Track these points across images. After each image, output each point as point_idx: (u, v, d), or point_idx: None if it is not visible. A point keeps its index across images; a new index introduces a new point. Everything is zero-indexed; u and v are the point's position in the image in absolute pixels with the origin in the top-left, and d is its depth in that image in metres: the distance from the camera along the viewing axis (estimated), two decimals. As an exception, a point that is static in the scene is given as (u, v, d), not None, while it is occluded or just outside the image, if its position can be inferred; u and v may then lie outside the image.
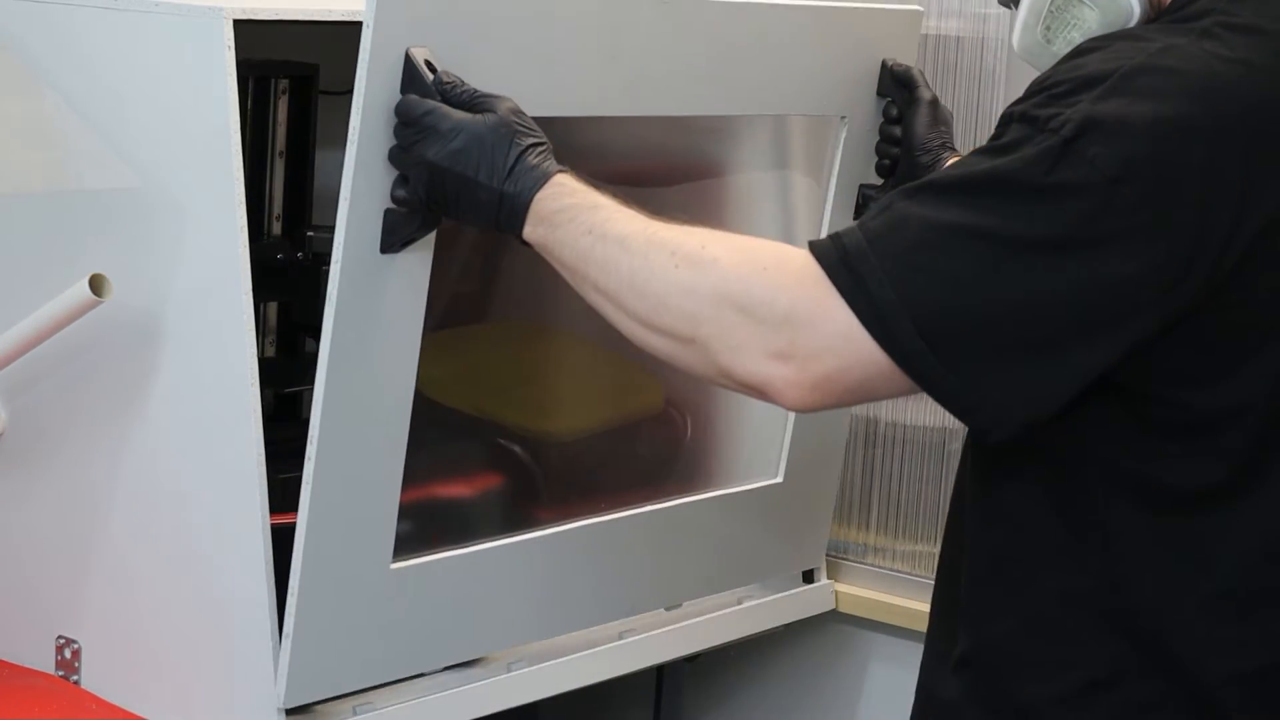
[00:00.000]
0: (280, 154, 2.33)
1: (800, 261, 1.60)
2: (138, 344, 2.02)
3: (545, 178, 1.74)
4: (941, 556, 1.81)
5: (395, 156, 1.83)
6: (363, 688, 2.06)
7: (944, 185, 1.58)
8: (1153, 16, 1.70)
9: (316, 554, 1.92)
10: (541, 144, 1.77)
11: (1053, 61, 1.68)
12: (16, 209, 2.15)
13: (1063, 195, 1.53)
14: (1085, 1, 1.75)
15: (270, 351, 2.35)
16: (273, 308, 2.35)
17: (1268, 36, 1.60)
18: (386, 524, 1.99)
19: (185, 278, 1.98)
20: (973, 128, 2.67)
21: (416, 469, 2.04)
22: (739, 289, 1.61)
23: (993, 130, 1.62)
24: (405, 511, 2.02)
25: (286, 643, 1.93)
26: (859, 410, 2.73)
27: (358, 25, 1.81)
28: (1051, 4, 1.77)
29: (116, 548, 2.09)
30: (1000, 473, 1.70)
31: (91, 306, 1.97)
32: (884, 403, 2.71)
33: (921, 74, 2.36)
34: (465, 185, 1.76)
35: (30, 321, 2.03)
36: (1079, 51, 1.63)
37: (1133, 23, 1.71)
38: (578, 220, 1.71)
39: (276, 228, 2.33)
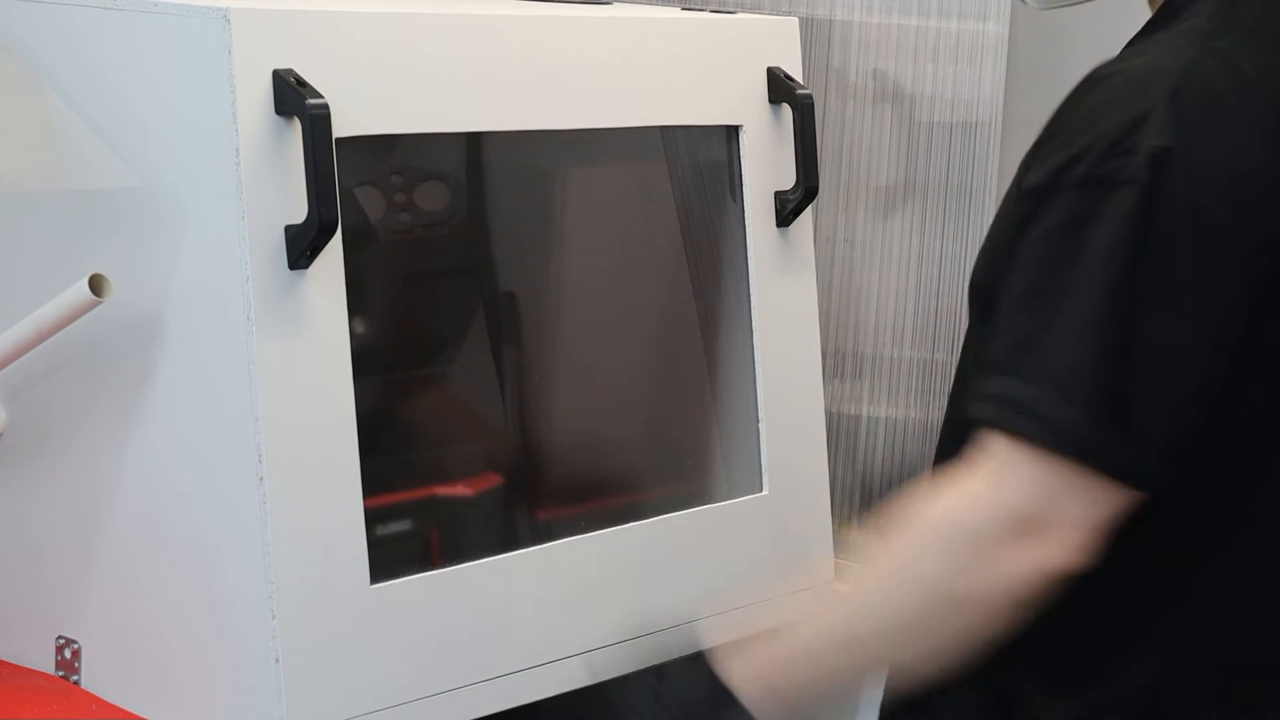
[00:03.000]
0: (280, 154, 2.33)
1: (970, 469, 1.57)
2: (139, 344, 2.02)
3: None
4: None
5: None
6: (364, 712, 2.06)
7: (1047, 286, 1.56)
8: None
9: (289, 581, 1.93)
10: None
11: None
12: (17, 209, 2.15)
13: (1170, 239, 1.53)
14: None
15: (270, 351, 2.35)
16: (273, 308, 2.35)
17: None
18: (356, 544, 2.00)
19: (186, 278, 1.98)
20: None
21: (393, 487, 2.06)
22: (954, 531, 1.59)
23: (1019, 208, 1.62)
24: (382, 533, 2.04)
25: (279, 668, 1.94)
26: (857, 410, 2.73)
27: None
28: None
29: (117, 547, 2.09)
30: None
31: (91, 306, 1.97)
32: (879, 401, 2.71)
33: (795, 80, 2.40)
34: None
35: (30, 321, 2.03)
36: (1088, 85, 1.63)
37: None
38: (795, 656, 1.73)
39: (276, 228, 2.33)
